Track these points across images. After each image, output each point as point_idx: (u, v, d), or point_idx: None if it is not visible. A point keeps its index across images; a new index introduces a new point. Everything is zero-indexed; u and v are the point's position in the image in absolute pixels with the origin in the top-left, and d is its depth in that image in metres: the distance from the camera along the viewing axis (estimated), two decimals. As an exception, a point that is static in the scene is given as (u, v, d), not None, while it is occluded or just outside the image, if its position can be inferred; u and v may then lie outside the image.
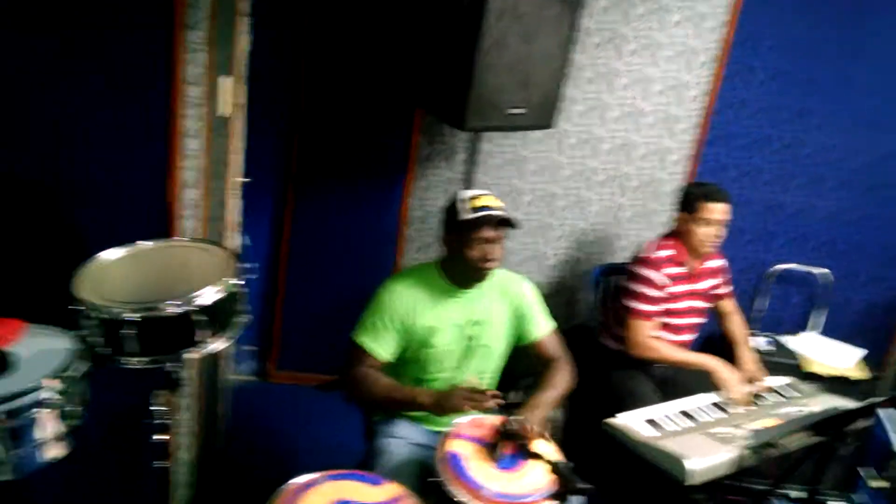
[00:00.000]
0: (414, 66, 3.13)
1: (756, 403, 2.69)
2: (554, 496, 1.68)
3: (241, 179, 2.78)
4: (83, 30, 1.98)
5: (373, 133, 3.27)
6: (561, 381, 2.32)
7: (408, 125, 3.25)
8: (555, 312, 3.60)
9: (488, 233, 2.19)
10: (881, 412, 2.33)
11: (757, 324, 3.67)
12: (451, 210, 2.26)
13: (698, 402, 2.72)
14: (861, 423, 2.49)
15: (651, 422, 2.55)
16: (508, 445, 1.97)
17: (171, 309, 1.74)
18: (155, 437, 2.07)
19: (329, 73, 3.18)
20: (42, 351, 1.64)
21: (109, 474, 2.38)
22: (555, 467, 1.67)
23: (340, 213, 3.37)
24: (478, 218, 2.17)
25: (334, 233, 3.40)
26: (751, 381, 2.80)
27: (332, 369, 3.59)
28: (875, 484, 2.90)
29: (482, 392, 2.07)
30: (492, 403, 2.04)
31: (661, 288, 2.84)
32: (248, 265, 3.31)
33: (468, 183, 3.04)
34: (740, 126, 3.41)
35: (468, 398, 2.07)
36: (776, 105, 3.38)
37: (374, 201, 3.37)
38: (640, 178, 3.47)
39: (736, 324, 3.09)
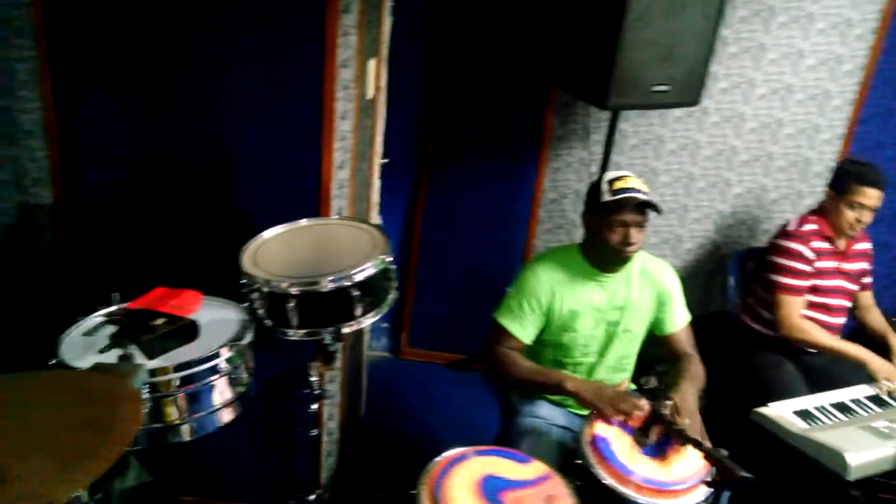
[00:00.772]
0: (551, 44, 3.09)
1: (884, 404, 2.51)
2: (710, 484, 1.63)
3: (381, 160, 2.85)
4: (244, 19, 2.07)
5: (506, 113, 3.26)
6: (698, 375, 2.24)
7: (542, 105, 3.22)
8: (689, 297, 3.51)
9: (629, 216, 2.14)
10: None
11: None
12: (594, 191, 2.22)
13: (852, 395, 2.58)
14: None
15: (803, 413, 2.44)
16: (658, 431, 1.93)
17: (330, 284, 1.81)
18: (310, 406, 2.18)
19: (464, 54, 3.19)
20: (216, 321, 1.74)
21: (264, 439, 2.52)
22: (710, 455, 1.62)
23: (473, 194, 3.39)
24: (618, 200, 2.12)
25: (466, 213, 3.42)
26: None
27: (461, 348, 3.66)
28: None
29: (628, 402, 2.03)
30: (637, 419, 2.00)
31: (809, 262, 2.70)
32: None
33: (604, 164, 2.98)
34: (899, 102, 3.17)
35: (616, 406, 2.03)
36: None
37: (507, 182, 3.37)
38: (786, 157, 3.29)
39: (878, 316, 2.92)
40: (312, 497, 2.32)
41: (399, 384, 3.50)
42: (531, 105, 3.23)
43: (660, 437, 1.97)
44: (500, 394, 2.57)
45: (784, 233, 2.78)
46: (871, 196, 2.61)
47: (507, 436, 2.35)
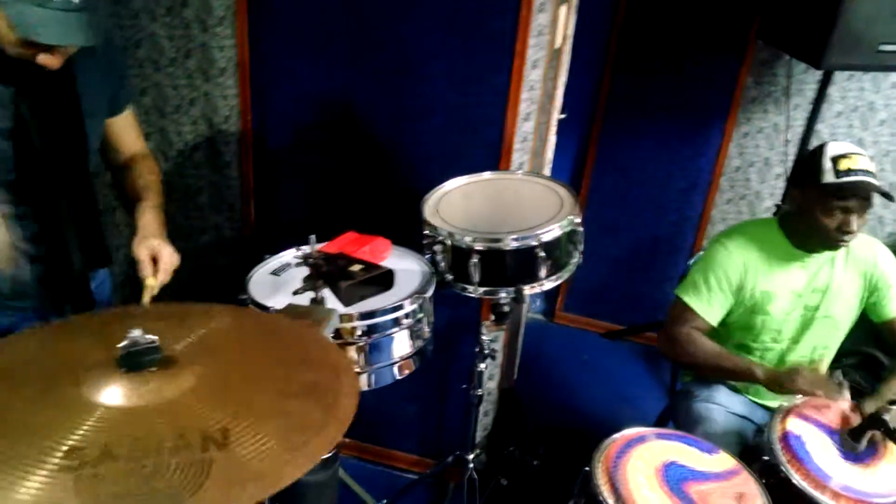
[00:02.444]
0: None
1: None
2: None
3: (559, 115, 2.71)
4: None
5: (694, 68, 2.99)
6: None
7: (737, 60, 2.93)
8: None
9: (853, 203, 1.88)
10: None
11: None
12: (812, 164, 1.95)
13: None
14: None
15: None
16: (871, 436, 1.72)
17: (514, 242, 1.72)
18: (478, 364, 2.12)
19: (654, 1, 2.95)
20: (402, 271, 1.70)
21: (426, 393, 2.50)
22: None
23: (648, 155, 3.18)
24: (845, 184, 1.87)
25: (638, 175, 3.22)
26: None
27: (618, 318, 3.50)
28: None
29: (830, 387, 1.85)
30: (843, 401, 1.81)
31: None
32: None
33: (806, 132, 2.69)
34: None
35: (817, 387, 1.84)
36: None
37: (687, 145, 3.12)
38: None
39: None
40: (471, 456, 2.28)
41: (553, 350, 3.41)
42: (724, 60, 2.95)
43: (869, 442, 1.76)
44: (670, 374, 2.41)
45: None
46: None
47: (676, 419, 2.21)
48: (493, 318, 1.98)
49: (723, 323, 2.13)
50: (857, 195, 1.87)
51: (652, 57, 3.03)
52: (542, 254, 1.75)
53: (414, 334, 1.65)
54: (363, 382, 1.64)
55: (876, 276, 2.06)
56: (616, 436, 1.78)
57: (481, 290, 1.80)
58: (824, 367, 2.02)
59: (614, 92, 3.14)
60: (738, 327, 2.12)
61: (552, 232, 1.76)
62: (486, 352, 2.10)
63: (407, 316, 1.61)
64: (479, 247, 1.73)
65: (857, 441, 1.70)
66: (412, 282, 1.66)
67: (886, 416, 1.66)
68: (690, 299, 2.10)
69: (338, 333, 1.56)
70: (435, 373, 2.43)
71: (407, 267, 1.73)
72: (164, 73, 2.30)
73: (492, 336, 2.41)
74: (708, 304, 2.08)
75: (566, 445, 2.60)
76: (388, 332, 1.59)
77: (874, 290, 2.07)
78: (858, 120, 2.94)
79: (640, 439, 1.78)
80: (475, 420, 2.29)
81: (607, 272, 3.42)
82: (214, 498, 0.76)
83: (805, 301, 2.06)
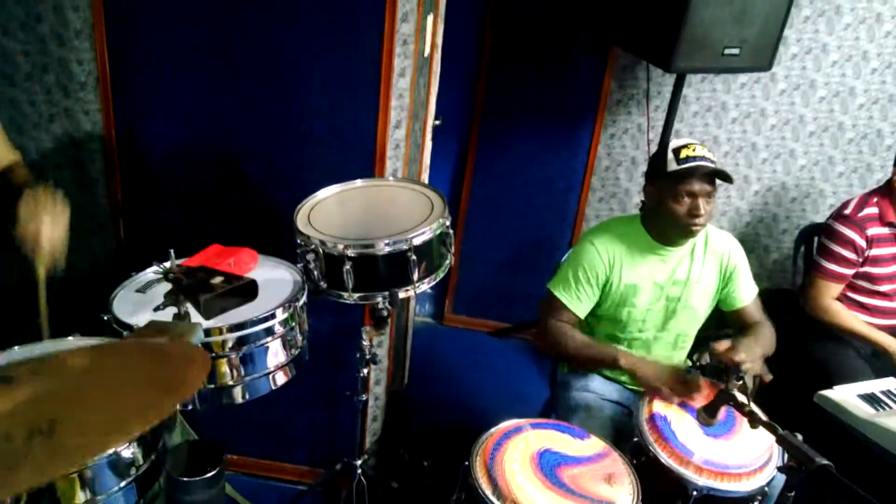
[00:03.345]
0: (615, 5, 2.93)
1: None
2: (783, 469, 1.54)
3: (434, 121, 2.76)
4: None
5: (562, 74, 3.13)
6: (767, 338, 2.15)
7: (600, 66, 3.09)
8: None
9: (696, 186, 2.02)
10: None
11: None
12: (658, 159, 2.10)
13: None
14: None
15: (868, 398, 2.33)
16: (724, 410, 1.85)
17: (387, 247, 1.75)
18: (359, 370, 2.14)
19: (520, 9, 3.06)
20: (271, 280, 1.69)
21: (310, 402, 2.49)
22: (784, 439, 1.53)
23: (524, 159, 3.29)
24: (686, 169, 2.01)
25: (516, 178, 3.33)
26: None
27: (505, 316, 3.59)
28: None
29: (689, 383, 1.97)
30: (699, 399, 1.94)
31: (859, 251, 2.56)
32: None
33: (665, 131, 2.86)
34: None
35: (677, 390, 1.97)
36: None
37: (559, 147, 3.26)
38: (856, 129, 3.13)
39: None
40: (359, 462, 2.29)
41: (442, 351, 3.46)
42: (588, 66, 3.11)
43: (724, 417, 1.89)
44: (550, 366, 2.51)
45: (840, 215, 2.63)
46: None
47: (556, 410, 2.30)
48: (373, 323, 2.00)
49: (593, 315, 2.24)
50: (698, 178, 2.02)
51: (523, 63, 3.14)
52: (414, 257, 1.78)
53: (287, 343, 1.66)
54: (238, 395, 1.63)
55: (730, 268, 2.22)
56: (493, 429, 1.84)
57: (356, 295, 1.82)
58: (680, 357, 2.16)
59: (489, 98, 3.23)
60: (607, 319, 2.23)
61: (423, 235, 1.80)
62: (368, 357, 2.12)
63: (278, 326, 1.61)
64: (351, 253, 1.75)
65: (711, 416, 1.83)
66: (282, 291, 1.66)
67: (735, 392, 1.79)
68: (560, 293, 2.19)
69: (209, 347, 1.54)
70: (322, 381, 2.43)
71: (277, 276, 1.73)
72: (20, 89, 2.20)
73: (376, 341, 2.44)
74: (576, 297, 2.18)
75: (456, 443, 2.64)
76: (260, 342, 1.58)
77: (728, 281, 2.23)
78: (713, 118, 3.16)
79: (517, 430, 1.85)
80: (362, 426, 2.31)
81: (492, 272, 3.51)
82: (28, 476, 0.89)
83: (667, 292, 2.19)
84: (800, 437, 1.63)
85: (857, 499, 1.44)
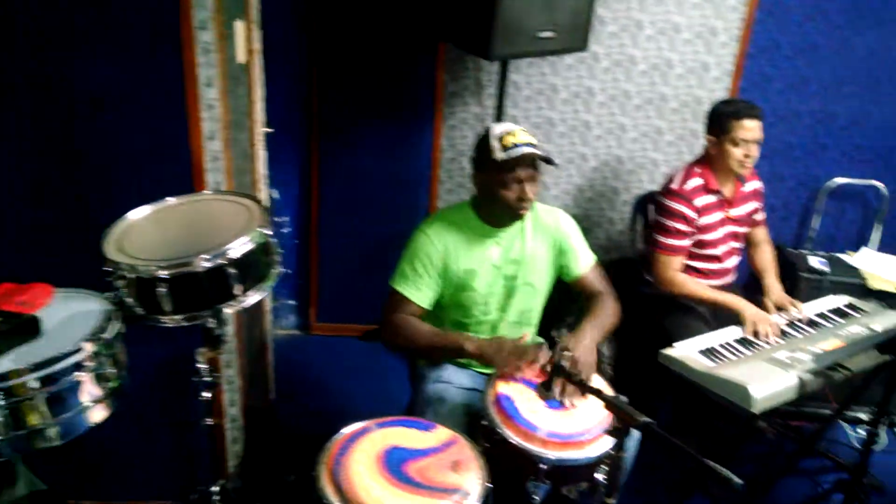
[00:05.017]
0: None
1: (786, 335, 2.56)
2: (611, 432, 1.60)
3: (264, 129, 2.69)
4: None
5: (395, 71, 3.14)
6: (605, 313, 2.23)
7: (431, 60, 3.11)
8: (596, 246, 3.51)
9: (524, 172, 2.07)
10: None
11: (811, 242, 3.51)
12: (483, 147, 2.14)
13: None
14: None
15: (709, 351, 2.46)
16: (559, 383, 1.90)
17: (203, 263, 1.68)
18: (202, 394, 2.05)
19: (344, 11, 3.04)
20: (74, 314, 1.59)
21: (161, 433, 2.38)
22: (609, 402, 1.59)
23: (369, 158, 3.28)
24: (512, 157, 2.05)
25: (364, 178, 3.31)
26: (781, 310, 2.69)
27: (373, 318, 3.55)
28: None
29: (528, 352, 2.01)
30: (538, 365, 1.98)
31: (690, 222, 2.70)
32: (279, 219, 3.29)
33: (498, 118, 2.91)
34: (784, 35, 3.19)
35: (517, 356, 2.01)
36: (822, 8, 3.15)
37: (402, 143, 3.27)
38: (678, 98, 3.30)
39: (765, 253, 2.95)
40: (216, 488, 2.20)
41: (310, 362, 3.40)
42: (420, 62, 3.13)
43: (563, 389, 1.94)
44: (409, 362, 2.50)
45: (668, 190, 2.75)
46: (752, 128, 2.61)
47: (415, 404, 2.30)
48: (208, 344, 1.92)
49: (438, 304, 2.25)
50: (525, 164, 2.07)
51: (356, 64, 3.12)
52: (234, 270, 1.72)
53: (100, 377, 1.56)
54: (53, 436, 1.52)
55: (560, 240, 2.29)
56: (337, 435, 1.82)
57: (179, 317, 1.74)
58: (527, 336, 2.20)
59: (325, 100, 3.19)
60: (451, 306, 2.26)
61: (241, 247, 1.74)
62: (208, 380, 2.04)
63: (87, 360, 1.51)
64: (164, 274, 1.67)
65: (549, 390, 1.87)
66: (87, 323, 1.57)
67: (564, 363, 1.84)
68: (401, 287, 2.20)
69: (10, 391, 1.43)
70: (168, 410, 2.32)
71: (83, 309, 1.63)
72: None
73: (224, 360, 2.36)
74: (417, 288, 2.18)
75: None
76: (67, 379, 1.48)
77: (561, 253, 2.30)
78: (545, 101, 3.25)
79: (363, 432, 1.83)
80: (216, 451, 2.22)
81: (354, 275, 3.48)
82: None
83: (504, 272, 2.23)
84: (625, 399, 1.70)
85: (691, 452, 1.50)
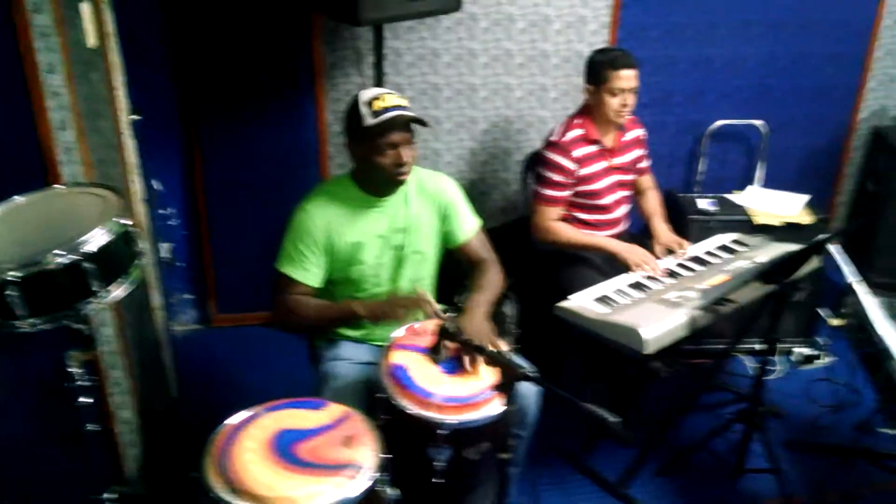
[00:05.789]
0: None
1: (676, 275, 2.63)
2: (497, 388, 1.59)
3: (131, 117, 2.55)
4: None
5: (269, 48, 3.02)
6: (489, 282, 2.22)
7: (306, 33, 3.01)
8: (494, 208, 3.53)
9: (397, 136, 2.03)
10: (833, 249, 2.28)
11: (700, 186, 3.61)
12: (353, 116, 2.08)
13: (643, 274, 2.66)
14: (811, 266, 2.47)
15: (602, 299, 2.49)
16: (450, 347, 1.88)
17: (56, 260, 1.58)
18: (80, 399, 1.94)
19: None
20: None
21: (48, 445, 2.25)
22: (490, 358, 1.58)
23: (252, 139, 3.16)
24: (383, 122, 2.01)
25: (250, 160, 3.19)
26: (670, 251, 2.76)
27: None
28: (834, 322, 2.92)
29: (416, 298, 1.98)
30: (428, 308, 1.95)
31: (568, 173, 2.73)
32: (164, 210, 3.16)
33: (379, 86, 2.85)
34: (655, -18, 3.25)
35: (402, 304, 1.98)
36: (690, -45, 3.21)
37: (286, 121, 3.16)
38: (559, 54, 3.30)
39: (652, 199, 3.01)
40: (112, 495, 2.10)
41: (214, 356, 3.29)
42: (295, 34, 3.02)
43: (456, 352, 1.92)
44: (308, 343, 2.44)
45: (549, 143, 2.77)
46: (628, 77, 2.64)
47: (315, 384, 2.25)
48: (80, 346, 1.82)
49: (330, 281, 2.20)
50: (397, 128, 2.02)
51: (227, 42, 2.99)
52: (91, 265, 1.62)
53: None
54: None
55: (445, 205, 2.26)
56: (222, 426, 1.75)
57: (37, 321, 1.63)
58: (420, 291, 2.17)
59: (201, 83, 3.05)
60: (341, 282, 2.20)
61: (97, 240, 1.64)
62: (85, 384, 1.93)
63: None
64: (14, 276, 1.56)
65: (437, 353, 1.85)
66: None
67: (450, 325, 1.82)
68: (287, 269, 2.13)
69: None
70: (54, 420, 2.19)
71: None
72: None
73: (108, 362, 2.25)
74: (304, 268, 2.13)
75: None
76: None
77: (445, 219, 2.27)
78: (428, 66, 3.20)
79: (251, 419, 1.77)
80: (111, 456, 2.12)
81: (251, 262, 3.35)
82: None
83: (391, 242, 2.19)
84: (509, 354, 1.69)
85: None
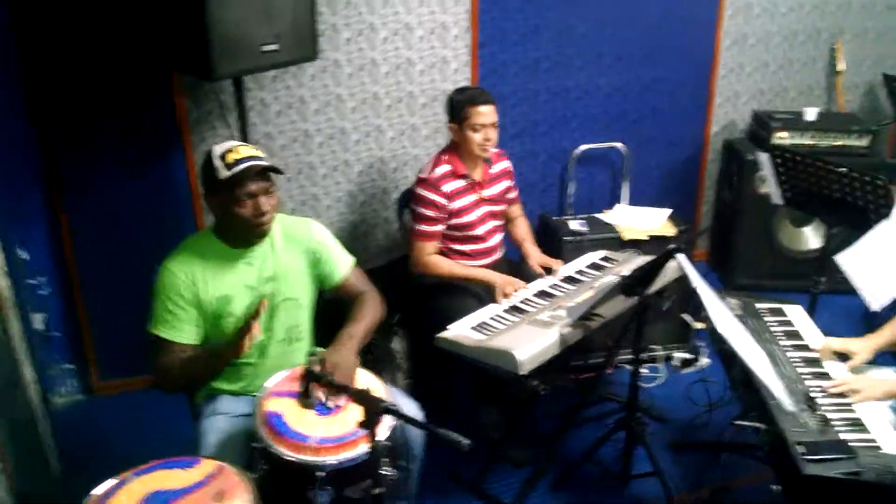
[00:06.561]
0: (149, 23, 2.81)
1: (549, 295, 2.75)
2: (362, 424, 1.62)
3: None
4: None
5: (132, 106, 2.98)
6: (367, 312, 2.26)
7: (168, 89, 3.00)
8: (378, 247, 3.59)
9: (253, 186, 2.06)
10: (680, 257, 2.44)
11: (572, 208, 3.78)
12: (208, 170, 2.09)
13: (521, 296, 2.76)
14: (671, 276, 2.62)
15: (479, 326, 2.56)
16: (320, 389, 1.90)
17: None
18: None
19: (64, 50, 2.84)
20: None
21: None
22: (354, 395, 1.61)
23: (122, 199, 3.09)
24: (237, 173, 2.03)
25: (119, 222, 3.11)
26: (545, 267, 2.90)
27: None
28: (697, 325, 3.10)
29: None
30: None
31: (441, 208, 2.83)
32: (33, 281, 3.05)
33: (245, 138, 2.87)
34: (509, 22, 3.42)
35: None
36: (538, -7, 3.41)
37: (155, 179, 3.11)
38: (425, 94, 3.42)
39: (521, 226, 3.16)
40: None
41: (98, 426, 3.16)
42: (157, 91, 3.00)
43: (327, 393, 1.94)
44: (189, 400, 2.40)
45: (419, 180, 2.87)
46: (486, 112, 2.77)
47: (195, 442, 2.21)
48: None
49: (204, 337, 2.18)
50: (252, 178, 2.05)
51: (88, 103, 2.93)
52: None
53: None
54: None
55: (314, 249, 2.29)
56: (87, 497, 1.71)
57: None
58: (302, 349, 2.19)
59: (64, 147, 2.96)
60: (215, 336, 2.19)
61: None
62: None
63: None
64: None
65: (308, 398, 1.87)
66: None
67: (315, 367, 1.84)
68: (160, 331, 2.12)
69: None
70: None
71: None
72: None
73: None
74: (176, 328, 2.11)
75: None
76: None
77: (317, 262, 2.29)
78: (296, 114, 3.24)
79: (119, 485, 1.74)
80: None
81: (131, 326, 3.23)
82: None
83: (261, 292, 2.19)
84: (372, 388, 1.73)
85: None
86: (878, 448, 1.95)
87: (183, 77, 3.01)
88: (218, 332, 2.18)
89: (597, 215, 3.51)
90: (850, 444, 1.93)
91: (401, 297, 3.05)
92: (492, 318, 2.62)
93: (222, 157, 2.05)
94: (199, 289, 2.12)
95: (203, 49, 2.40)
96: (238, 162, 2.03)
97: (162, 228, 3.18)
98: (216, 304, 2.14)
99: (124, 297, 3.23)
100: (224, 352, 2.04)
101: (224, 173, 2.03)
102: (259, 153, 2.09)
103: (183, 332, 2.12)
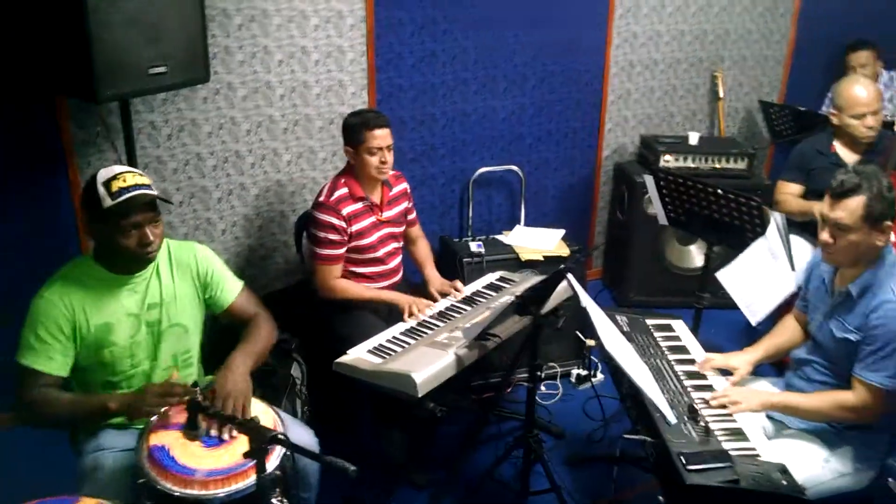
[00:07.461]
0: (31, 45, 2.71)
1: (447, 317, 2.78)
2: (247, 455, 1.59)
3: None
4: None
5: (12, 129, 2.84)
6: (259, 336, 2.23)
7: (50, 112, 2.88)
8: (277, 271, 3.53)
9: (139, 216, 1.99)
10: (569, 276, 2.51)
11: (471, 230, 3.84)
12: (91, 196, 2.00)
13: (420, 318, 2.78)
14: (563, 295, 2.69)
15: (377, 349, 2.56)
16: (206, 420, 1.85)
17: None
18: None
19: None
20: None
21: None
22: (240, 426, 1.58)
23: (3, 228, 2.93)
24: (122, 203, 1.96)
25: (1, 249, 2.96)
26: (444, 295, 2.93)
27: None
28: (589, 343, 3.19)
29: (176, 386, 1.94)
30: (177, 390, 1.92)
31: (341, 231, 2.82)
32: None
33: (131, 161, 2.78)
34: (404, 46, 3.46)
35: (161, 395, 1.93)
36: (432, 19, 3.46)
37: (38, 204, 2.96)
38: (322, 117, 3.41)
39: (422, 247, 3.19)
40: None
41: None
42: (38, 115, 2.87)
43: (214, 423, 1.89)
44: (69, 436, 2.28)
45: (317, 203, 2.85)
46: (382, 136, 2.79)
47: (77, 479, 2.11)
48: None
49: (80, 368, 2.09)
50: (138, 209, 1.98)
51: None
52: None
53: None
54: None
55: (202, 273, 2.24)
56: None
57: None
58: (175, 375, 2.13)
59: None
60: (93, 367, 2.10)
61: None
62: None
63: None
64: None
65: (193, 429, 1.82)
66: None
67: (199, 398, 1.80)
68: (29, 360, 2.02)
69: None
70: None
71: None
72: None
73: None
74: (48, 358, 2.01)
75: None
76: None
77: (206, 287, 2.24)
78: (188, 137, 3.17)
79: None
80: None
81: (5, 356, 3.09)
82: None
83: (145, 319, 2.13)
84: (259, 418, 1.70)
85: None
86: (757, 455, 2.05)
87: (67, 100, 2.90)
88: (96, 363, 2.09)
89: (496, 237, 3.58)
90: (730, 452, 2.02)
91: (300, 322, 3.01)
92: (389, 341, 2.62)
93: (107, 184, 1.97)
94: (79, 318, 2.03)
95: (86, 71, 2.33)
96: (123, 191, 1.96)
97: (43, 254, 3.02)
98: (96, 334, 2.05)
99: (4, 333, 3.05)
100: (115, 409, 1.96)
101: (108, 202, 1.96)
102: (146, 181, 2.02)
103: (54, 361, 2.02)
